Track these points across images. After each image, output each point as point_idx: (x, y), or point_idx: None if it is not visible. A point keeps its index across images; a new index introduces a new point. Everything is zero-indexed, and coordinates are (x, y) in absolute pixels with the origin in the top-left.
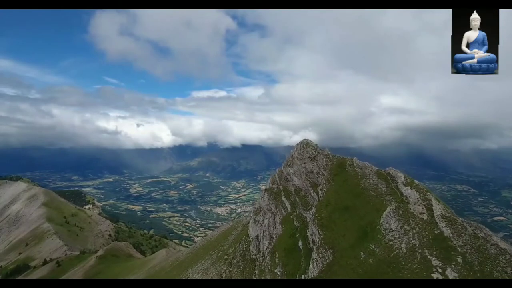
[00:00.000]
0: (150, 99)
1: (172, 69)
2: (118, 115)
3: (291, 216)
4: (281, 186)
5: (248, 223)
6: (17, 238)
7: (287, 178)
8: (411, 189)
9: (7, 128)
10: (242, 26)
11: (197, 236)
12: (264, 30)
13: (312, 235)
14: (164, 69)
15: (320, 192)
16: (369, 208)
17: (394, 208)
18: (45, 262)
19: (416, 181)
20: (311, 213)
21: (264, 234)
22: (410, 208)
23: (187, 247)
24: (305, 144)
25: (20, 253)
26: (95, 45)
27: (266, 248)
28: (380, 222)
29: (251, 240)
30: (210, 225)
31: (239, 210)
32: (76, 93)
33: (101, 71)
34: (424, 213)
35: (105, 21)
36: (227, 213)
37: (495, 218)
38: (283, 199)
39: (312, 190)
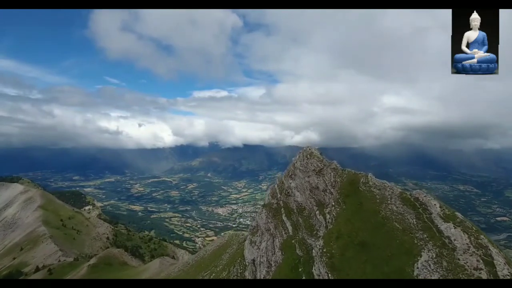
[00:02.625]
0: (151, 99)
1: (174, 67)
2: (119, 115)
3: (293, 241)
4: (281, 202)
5: (245, 240)
6: (12, 242)
7: (288, 192)
8: (454, 227)
9: (9, 128)
10: (244, 25)
11: (198, 237)
12: (266, 30)
13: (319, 275)
14: (166, 67)
15: (328, 216)
16: (396, 248)
17: (434, 256)
18: (37, 270)
19: (459, 215)
20: (318, 246)
21: (261, 259)
22: (459, 259)
23: (187, 248)
24: (308, 154)
25: (14, 258)
26: (96, 45)
27: (264, 277)
28: (415, 274)
29: (247, 264)
30: (211, 225)
31: (240, 210)
32: (77, 93)
33: (102, 71)
34: (481, 269)
35: (107, 20)
36: (228, 213)
37: (498, 218)
38: (284, 218)
39: (317, 211)
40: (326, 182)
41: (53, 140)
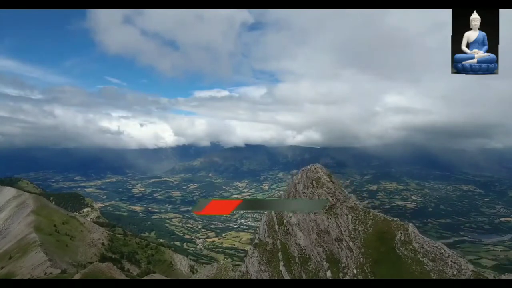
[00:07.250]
0: (152, 99)
1: (178, 63)
2: (120, 115)
3: None
4: (278, 242)
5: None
6: (2, 250)
7: (288, 229)
8: None
9: (10, 128)
10: (245, 25)
11: (199, 238)
12: (267, 29)
13: None
14: (169, 63)
15: None
16: None
17: None
18: None
19: None
20: None
21: None
22: None
23: (188, 250)
24: (315, 179)
25: (2, 267)
26: (97, 42)
27: None
28: None
29: None
30: (212, 226)
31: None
32: (78, 93)
33: (103, 71)
34: None
35: (108, 15)
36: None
37: (502, 219)
38: (281, 267)
39: (329, 270)
40: (341, 227)
41: (54, 140)
